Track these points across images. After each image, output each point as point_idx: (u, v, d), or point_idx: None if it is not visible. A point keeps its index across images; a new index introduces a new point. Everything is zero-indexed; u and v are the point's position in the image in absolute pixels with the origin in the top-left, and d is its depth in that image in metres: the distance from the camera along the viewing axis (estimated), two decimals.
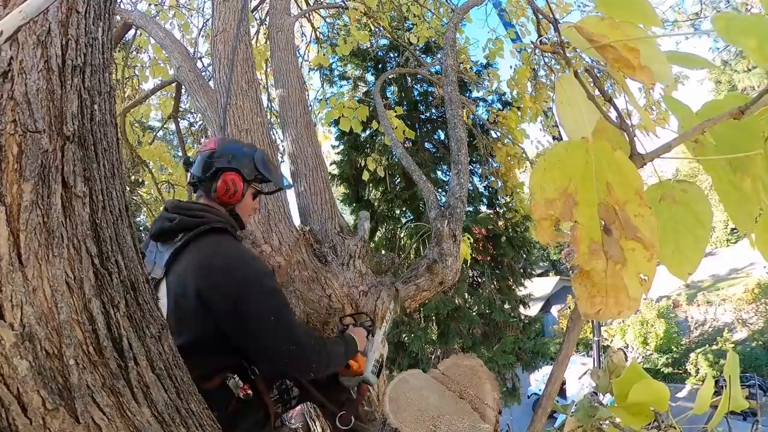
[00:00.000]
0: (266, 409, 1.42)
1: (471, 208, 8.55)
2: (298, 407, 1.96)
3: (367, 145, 8.63)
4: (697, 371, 13.87)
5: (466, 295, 8.04)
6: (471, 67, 7.04)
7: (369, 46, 7.35)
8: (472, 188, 8.42)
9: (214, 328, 1.31)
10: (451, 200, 2.47)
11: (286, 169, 2.72)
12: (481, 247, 7.89)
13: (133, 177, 7.58)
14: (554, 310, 19.27)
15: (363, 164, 7.57)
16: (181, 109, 5.53)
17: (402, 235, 8.50)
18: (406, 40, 5.83)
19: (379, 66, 8.85)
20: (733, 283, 17.71)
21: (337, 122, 5.38)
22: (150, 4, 5.49)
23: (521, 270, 8.98)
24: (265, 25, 5.23)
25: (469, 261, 5.57)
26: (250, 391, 1.34)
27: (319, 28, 6.46)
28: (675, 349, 15.04)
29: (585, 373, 10.84)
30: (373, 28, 5.62)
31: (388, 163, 7.93)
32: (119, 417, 0.73)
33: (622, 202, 0.55)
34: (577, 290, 0.56)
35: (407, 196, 8.24)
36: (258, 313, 1.25)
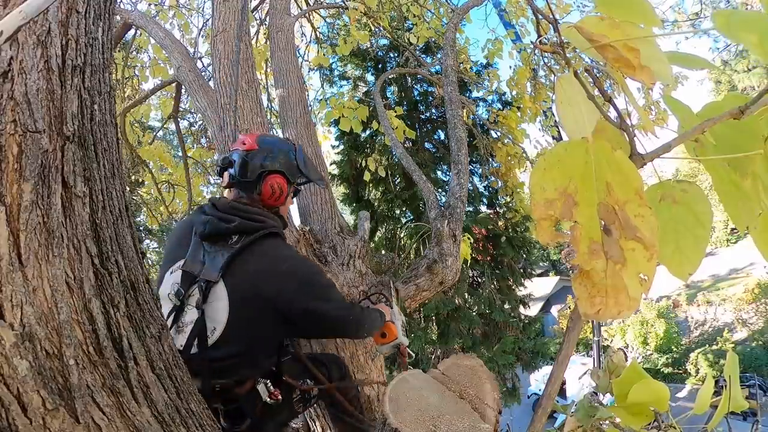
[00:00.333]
0: (290, 409, 1.50)
1: (471, 208, 8.55)
2: None
3: (367, 145, 8.63)
4: (697, 371, 13.87)
5: (466, 295, 8.04)
6: (471, 67, 7.04)
7: (369, 46, 7.35)
8: (472, 188, 8.41)
9: (270, 334, 1.39)
10: (451, 200, 2.47)
11: None
12: (481, 247, 7.89)
13: (133, 177, 7.58)
14: (554, 310, 19.26)
15: (363, 164, 7.56)
16: (181, 109, 5.53)
17: (402, 235, 8.50)
18: (406, 40, 5.82)
19: (379, 66, 8.84)
20: (733, 283, 17.70)
21: (337, 122, 5.38)
22: (150, 4, 5.49)
23: (521, 270, 8.97)
24: (265, 25, 5.23)
25: (469, 261, 5.56)
26: (280, 396, 1.40)
27: (319, 28, 6.46)
28: (675, 349, 15.03)
29: (585, 373, 10.83)
30: (373, 28, 5.62)
31: (388, 163, 7.92)
32: (119, 417, 0.73)
33: (622, 202, 0.55)
34: (577, 290, 0.56)
35: (407, 196, 8.23)
36: (322, 307, 1.36)
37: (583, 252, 0.55)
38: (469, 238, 4.59)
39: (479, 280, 8.63)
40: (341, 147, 8.87)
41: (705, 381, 0.88)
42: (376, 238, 8.60)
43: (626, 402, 0.83)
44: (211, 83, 3.00)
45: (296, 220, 2.51)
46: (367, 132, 8.02)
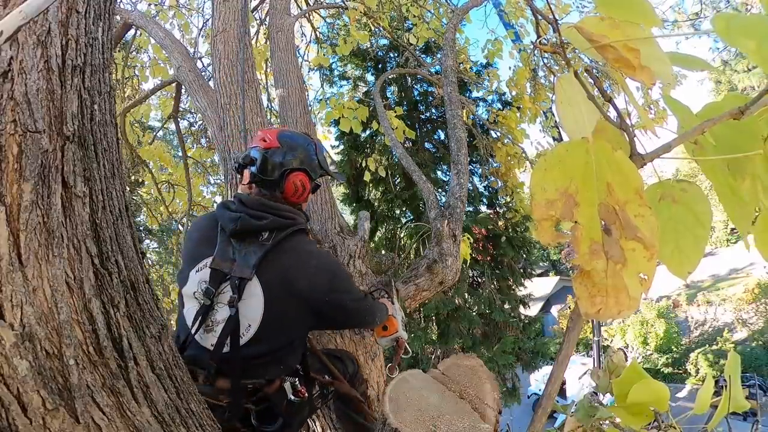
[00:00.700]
0: (311, 405, 1.53)
1: (471, 208, 8.55)
2: None
3: (367, 146, 8.63)
4: (697, 371, 13.87)
5: (466, 295, 8.04)
6: (471, 67, 7.04)
7: (369, 46, 7.35)
8: (472, 188, 8.41)
9: (301, 330, 1.43)
10: (450, 200, 2.47)
11: None
12: (481, 247, 7.89)
13: (133, 177, 7.59)
14: (554, 310, 19.26)
15: (363, 164, 7.56)
16: (181, 109, 5.53)
17: (402, 235, 8.50)
18: (406, 41, 5.82)
19: (379, 66, 8.84)
20: (733, 283, 17.70)
21: (337, 122, 5.38)
22: (150, 4, 5.49)
23: (521, 270, 8.97)
24: (265, 25, 5.23)
25: (469, 261, 5.56)
26: (306, 394, 1.43)
27: (319, 28, 6.46)
28: (675, 349, 15.03)
29: (585, 373, 10.83)
30: (373, 28, 5.62)
31: (388, 163, 7.92)
32: (119, 417, 0.73)
33: (623, 202, 0.55)
34: (577, 290, 0.56)
35: (407, 196, 8.23)
36: (346, 298, 1.43)
37: (584, 252, 0.55)
38: (469, 238, 4.59)
39: (479, 280, 8.63)
40: (341, 147, 8.87)
41: (705, 381, 0.88)
42: (376, 238, 8.60)
43: (626, 402, 0.83)
44: (211, 83, 3.00)
45: None
46: (367, 132, 8.02)
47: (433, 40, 6.01)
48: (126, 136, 5.17)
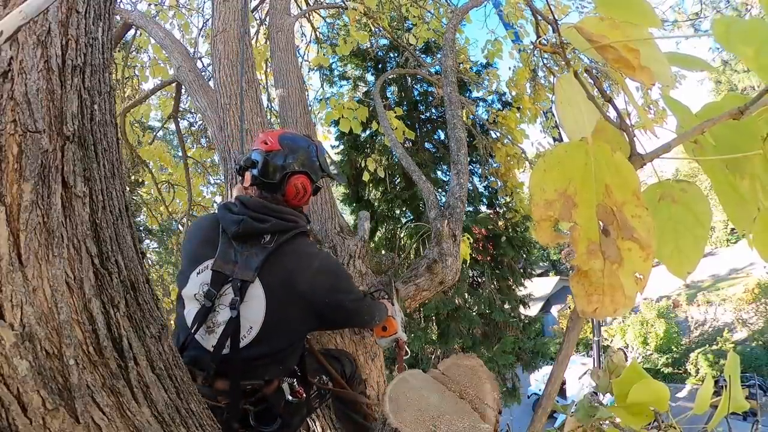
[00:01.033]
0: (309, 405, 1.55)
1: (471, 208, 8.55)
2: None
3: (367, 146, 8.63)
4: (697, 371, 13.87)
5: (466, 295, 8.04)
6: (471, 67, 7.04)
7: (369, 46, 7.34)
8: (472, 188, 8.41)
9: (302, 331, 1.44)
10: (450, 200, 2.47)
11: None
12: (481, 247, 7.89)
13: (133, 177, 7.58)
14: (554, 310, 19.26)
15: (363, 165, 7.56)
16: (181, 109, 5.53)
17: (402, 235, 8.50)
18: (406, 41, 5.83)
19: (379, 66, 8.84)
20: (733, 283, 17.70)
21: (337, 123, 5.38)
22: (150, 4, 5.49)
23: (521, 270, 8.97)
24: (265, 25, 5.23)
25: (469, 261, 5.56)
26: (303, 394, 1.45)
27: (319, 28, 6.46)
28: (675, 349, 15.04)
29: (585, 373, 10.84)
30: (373, 28, 5.62)
31: (388, 163, 7.92)
32: (119, 417, 0.73)
33: (620, 203, 0.55)
34: (574, 288, 0.56)
35: (407, 196, 8.23)
36: (347, 298, 1.44)
37: (582, 252, 0.55)
38: (469, 238, 4.60)
39: (479, 280, 8.63)
40: (341, 147, 8.87)
41: (705, 381, 0.88)
42: (376, 238, 8.60)
43: (626, 402, 0.83)
44: (211, 83, 3.00)
45: None
46: (367, 132, 8.02)
47: (433, 40, 6.02)
48: (126, 136, 5.17)
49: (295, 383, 1.43)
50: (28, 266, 0.68)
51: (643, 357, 15.18)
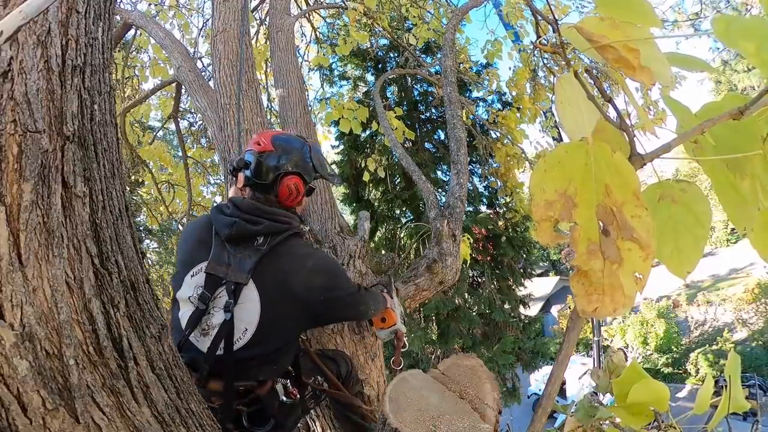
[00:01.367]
0: (304, 406, 1.55)
1: (471, 208, 8.55)
2: None
3: (367, 145, 8.63)
4: (697, 371, 13.88)
5: (466, 295, 8.04)
6: (471, 67, 7.04)
7: (369, 46, 7.34)
8: (472, 188, 8.41)
9: (297, 331, 1.44)
10: (450, 200, 2.47)
11: None
12: (481, 247, 7.89)
13: (133, 177, 7.59)
14: (554, 310, 19.26)
15: (363, 165, 7.56)
16: (181, 109, 5.53)
17: (402, 235, 8.50)
18: (406, 41, 5.83)
19: (379, 66, 8.84)
20: (733, 283, 17.70)
21: (337, 123, 5.38)
22: (150, 4, 5.49)
23: (521, 270, 8.97)
24: (265, 25, 5.23)
25: (469, 261, 5.56)
26: (298, 395, 1.45)
27: (319, 28, 6.46)
28: (675, 349, 15.04)
29: (585, 373, 10.84)
30: (373, 28, 5.62)
31: (388, 163, 7.92)
32: (119, 417, 0.73)
33: (620, 203, 0.55)
34: (574, 288, 0.56)
35: (407, 196, 8.23)
36: (341, 294, 1.44)
37: (582, 252, 0.55)
38: (469, 238, 4.60)
39: (479, 280, 8.63)
40: (341, 147, 8.87)
41: (705, 381, 0.88)
42: (376, 238, 8.60)
43: (626, 402, 0.83)
44: (211, 83, 3.00)
45: None
46: (367, 132, 8.02)
47: (433, 40, 6.01)
48: (126, 136, 5.17)
49: (289, 384, 1.43)
50: (28, 266, 0.68)
51: (643, 357, 15.18)
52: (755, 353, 13.55)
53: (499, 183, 7.04)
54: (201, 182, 6.39)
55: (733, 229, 21.00)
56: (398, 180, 8.57)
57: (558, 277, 21.63)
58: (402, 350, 1.86)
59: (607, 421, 0.89)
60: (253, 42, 5.24)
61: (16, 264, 0.67)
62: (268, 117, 4.56)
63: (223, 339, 1.28)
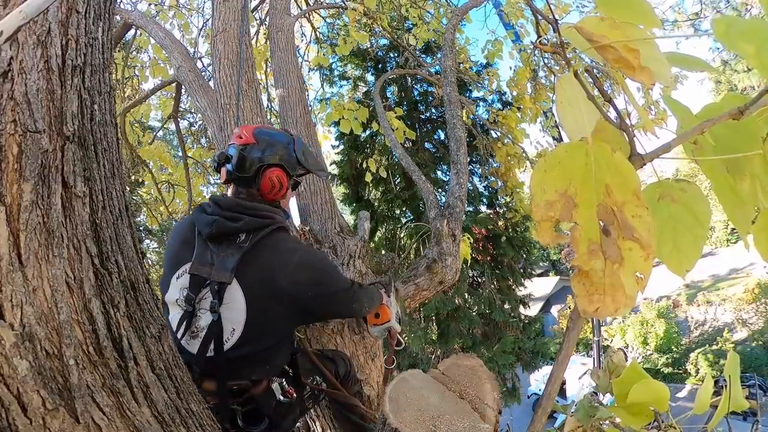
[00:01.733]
0: (301, 405, 1.52)
1: (471, 208, 8.55)
2: None
3: (367, 146, 8.63)
4: (697, 371, 13.88)
5: (466, 295, 8.04)
6: (471, 67, 7.04)
7: (369, 46, 7.34)
8: (472, 188, 8.41)
9: (288, 328, 1.41)
10: (450, 200, 2.47)
11: None
12: (481, 247, 7.89)
13: (133, 177, 7.58)
14: (554, 310, 19.26)
15: (363, 165, 7.56)
16: (181, 109, 5.53)
17: (402, 235, 8.50)
18: (406, 41, 5.82)
19: (379, 66, 8.84)
20: (733, 283, 17.71)
21: (337, 123, 5.38)
22: (150, 4, 5.49)
23: (521, 270, 8.97)
24: (265, 25, 5.23)
25: (469, 261, 5.56)
26: (295, 395, 1.41)
27: (319, 28, 6.46)
28: (675, 349, 15.04)
29: (585, 373, 10.84)
30: (373, 28, 5.62)
31: (388, 163, 7.93)
32: (119, 417, 0.73)
33: (621, 203, 0.55)
34: (575, 288, 0.56)
35: (407, 196, 8.24)
36: (331, 290, 1.40)
37: (583, 252, 0.55)
38: (469, 238, 4.59)
39: (479, 280, 8.64)
40: (341, 147, 8.87)
41: (705, 381, 0.88)
42: (376, 238, 8.61)
43: (626, 402, 0.83)
44: (211, 83, 3.00)
45: (296, 220, 2.50)
46: (367, 132, 8.02)
47: (433, 40, 6.01)
48: (126, 136, 5.17)
49: (285, 383, 1.41)
50: (28, 266, 0.68)
51: (643, 357, 15.18)
52: (755, 353, 13.55)
53: (499, 183, 7.04)
54: (201, 182, 6.39)
55: (733, 229, 20.98)
56: (398, 180, 8.57)
57: (558, 277, 21.63)
58: (396, 349, 1.83)
59: (607, 421, 0.89)
60: (253, 42, 5.24)
61: (16, 264, 0.67)
62: (268, 117, 4.56)
63: (213, 340, 1.26)
